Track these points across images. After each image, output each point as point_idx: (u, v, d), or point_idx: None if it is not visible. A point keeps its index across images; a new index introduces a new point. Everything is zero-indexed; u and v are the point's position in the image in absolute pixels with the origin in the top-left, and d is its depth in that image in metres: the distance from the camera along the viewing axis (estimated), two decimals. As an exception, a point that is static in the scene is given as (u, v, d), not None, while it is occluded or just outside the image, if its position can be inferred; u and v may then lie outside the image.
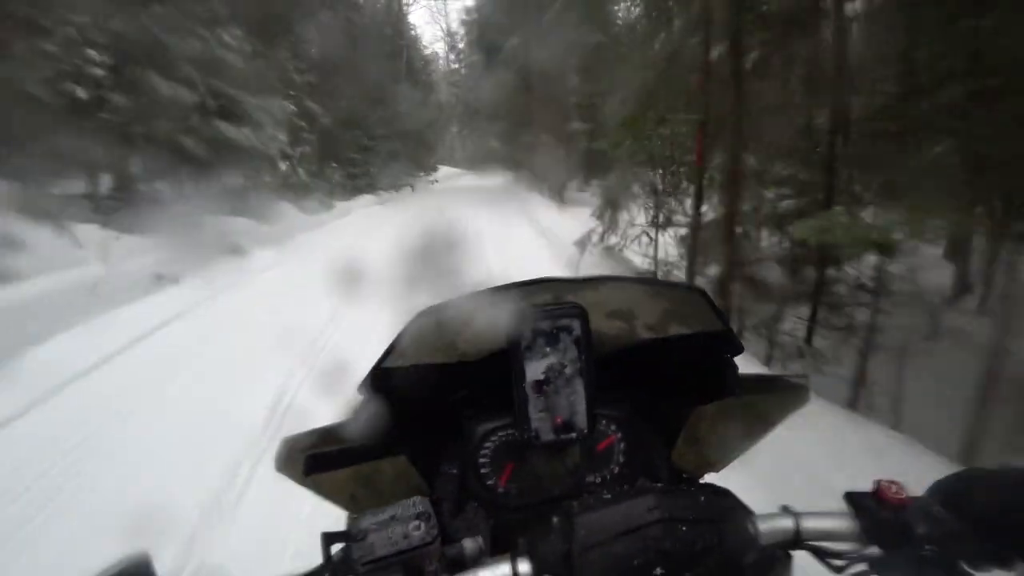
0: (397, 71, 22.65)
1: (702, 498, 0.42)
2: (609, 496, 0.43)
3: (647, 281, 0.64)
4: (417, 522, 0.42)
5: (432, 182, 23.96)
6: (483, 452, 0.63)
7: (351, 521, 0.42)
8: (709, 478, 0.67)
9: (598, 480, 0.65)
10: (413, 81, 21.48)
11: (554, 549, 0.40)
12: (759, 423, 0.66)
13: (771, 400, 0.65)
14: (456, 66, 34.04)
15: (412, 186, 21.15)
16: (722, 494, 0.44)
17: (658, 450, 0.66)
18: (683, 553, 0.38)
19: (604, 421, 0.64)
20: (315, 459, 0.60)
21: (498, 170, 20.33)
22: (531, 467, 0.64)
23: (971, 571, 0.40)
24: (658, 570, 0.38)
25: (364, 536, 0.41)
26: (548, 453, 0.63)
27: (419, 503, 0.43)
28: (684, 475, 0.65)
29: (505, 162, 19.61)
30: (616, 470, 0.65)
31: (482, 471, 0.63)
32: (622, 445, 0.65)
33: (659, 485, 0.56)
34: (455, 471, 0.65)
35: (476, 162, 28.69)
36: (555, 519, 0.42)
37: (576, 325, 0.59)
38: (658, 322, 0.64)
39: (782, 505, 0.46)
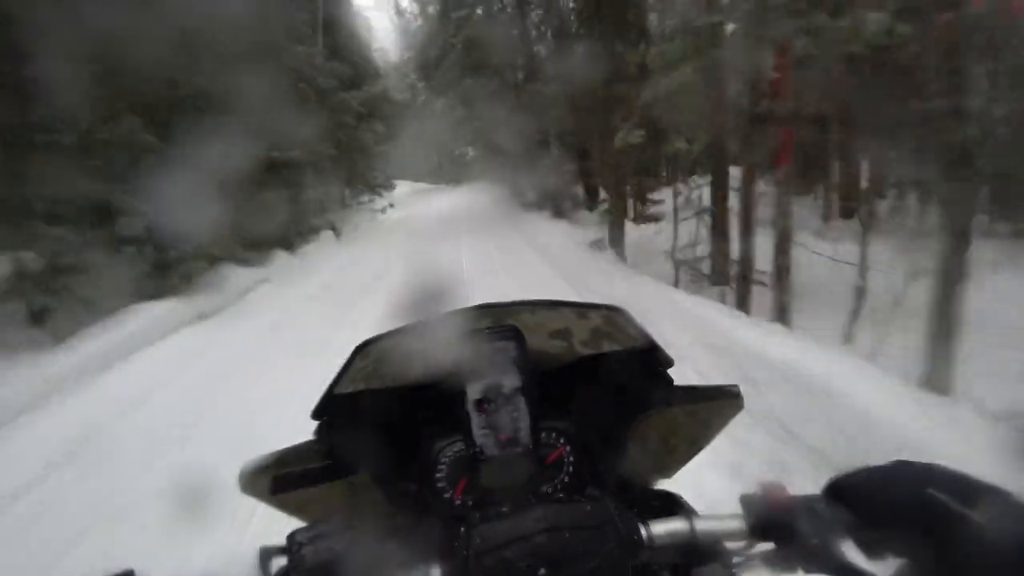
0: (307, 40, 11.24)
1: (588, 507, 0.47)
2: (506, 509, 0.48)
3: (573, 304, 0.70)
4: (339, 536, 0.47)
5: (383, 210, 16.13)
6: (439, 468, 0.68)
7: (288, 537, 0.47)
8: (663, 483, 0.71)
9: (550, 490, 0.69)
10: (340, 58, 12.79)
11: (456, 555, 0.46)
12: (700, 430, 0.72)
13: (708, 408, 0.70)
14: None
15: (336, 228, 12.18)
16: (605, 502, 0.48)
17: (606, 460, 0.71)
18: (566, 558, 0.44)
19: (552, 434, 0.69)
20: (280, 479, 0.64)
21: (480, 182, 17.23)
22: (484, 481, 0.68)
23: (851, 563, 0.44)
24: (542, 570, 0.43)
25: (299, 549, 0.46)
26: (499, 467, 0.67)
27: (341, 520, 0.48)
28: (635, 482, 0.70)
29: (489, 172, 16.11)
30: (567, 479, 0.69)
31: (438, 485, 0.68)
32: (571, 456, 0.70)
33: (559, 496, 0.64)
34: (414, 487, 0.69)
35: (452, 173, 24.83)
36: (462, 529, 0.47)
37: (512, 347, 0.65)
38: (591, 340, 0.70)
39: (681, 509, 0.52)
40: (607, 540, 0.45)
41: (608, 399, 0.72)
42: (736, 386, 0.70)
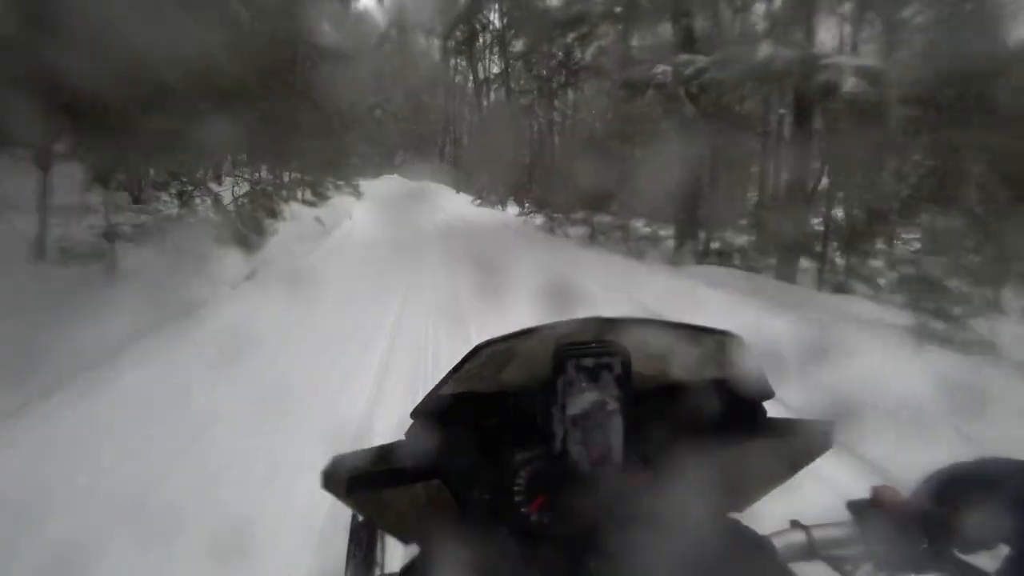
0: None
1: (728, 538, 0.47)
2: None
3: (684, 325, 0.68)
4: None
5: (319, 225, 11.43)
6: (518, 481, 0.65)
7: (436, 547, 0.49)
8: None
9: (628, 514, 0.67)
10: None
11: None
12: (783, 466, 0.69)
13: (796, 443, 0.68)
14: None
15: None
16: (743, 531, 0.49)
17: (689, 488, 0.67)
18: None
19: (638, 458, 0.67)
20: (357, 479, 0.62)
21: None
22: (564, 498, 0.65)
23: (964, 558, 0.45)
24: None
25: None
26: (581, 486, 0.65)
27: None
28: (709, 513, 0.68)
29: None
30: (647, 505, 0.66)
31: (515, 499, 0.65)
32: (653, 483, 0.67)
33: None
34: (488, 497, 0.67)
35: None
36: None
37: (618, 364, 0.63)
38: (693, 365, 0.68)
39: (791, 520, 0.51)
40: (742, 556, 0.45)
41: (698, 426, 0.70)
42: (832, 423, 0.68)
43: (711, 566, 0.45)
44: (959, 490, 0.47)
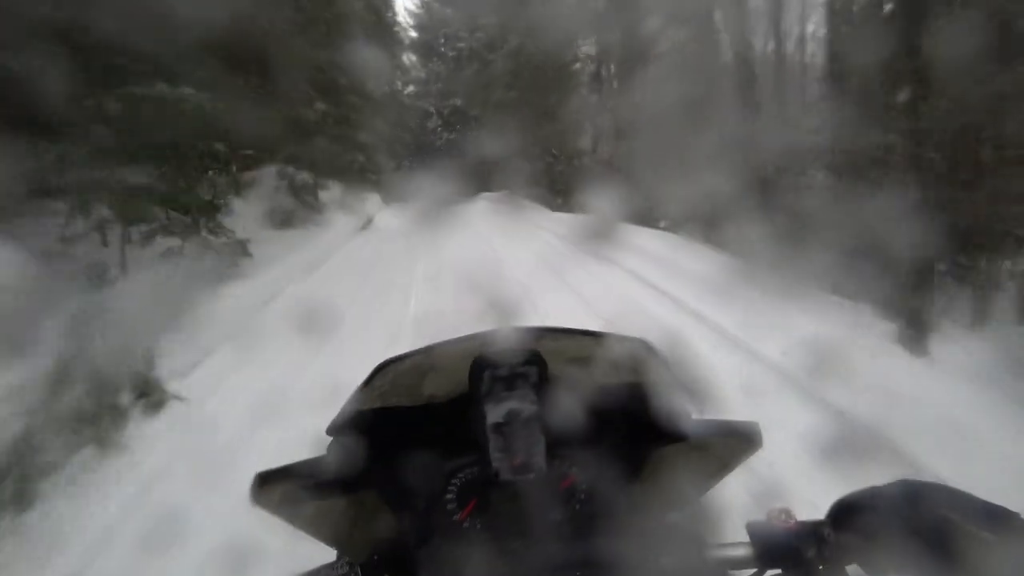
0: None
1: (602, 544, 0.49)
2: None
3: (596, 334, 0.70)
4: None
5: None
6: (449, 488, 0.67)
7: None
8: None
9: (559, 518, 0.68)
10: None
11: None
12: (715, 465, 0.71)
13: (725, 444, 0.70)
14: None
15: None
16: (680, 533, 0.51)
17: (619, 490, 0.70)
18: None
19: (564, 462, 0.68)
20: (289, 493, 0.64)
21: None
22: (494, 504, 0.67)
23: None
24: None
25: None
26: (508, 491, 0.67)
27: (342, 566, 0.49)
28: (645, 514, 0.69)
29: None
30: (578, 508, 0.68)
31: (448, 506, 0.67)
32: (583, 485, 0.69)
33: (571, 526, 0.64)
34: (422, 505, 0.69)
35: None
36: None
37: (534, 372, 0.64)
38: (611, 370, 0.69)
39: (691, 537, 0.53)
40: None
41: (624, 430, 0.71)
42: (755, 424, 0.69)
43: (644, 569, 0.47)
44: (871, 515, 0.46)
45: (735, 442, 0.70)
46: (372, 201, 14.92)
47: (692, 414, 0.71)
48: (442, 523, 0.67)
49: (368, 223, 12.74)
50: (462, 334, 0.65)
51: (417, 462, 0.68)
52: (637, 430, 0.70)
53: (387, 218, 13.97)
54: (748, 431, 0.68)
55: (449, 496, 0.67)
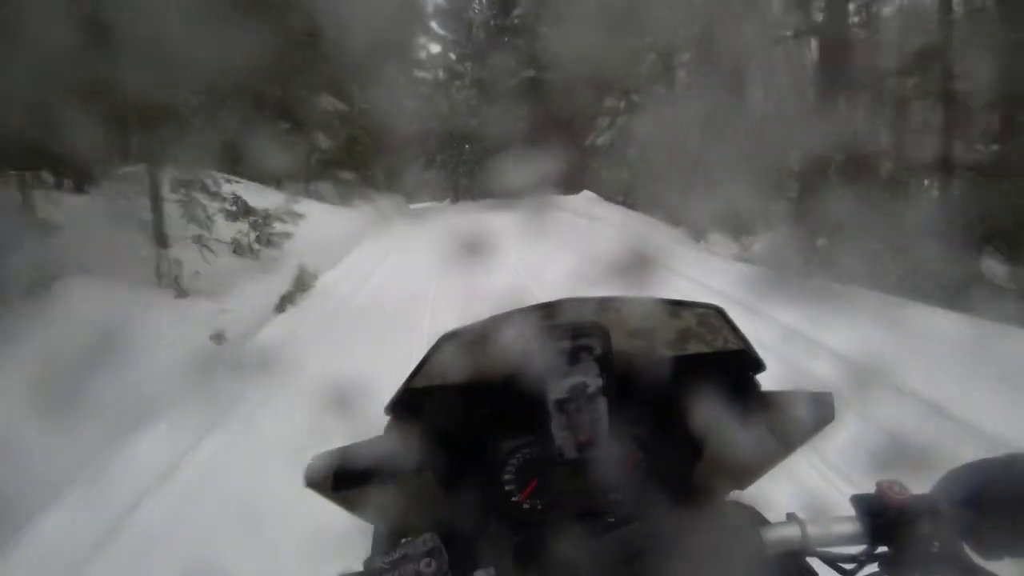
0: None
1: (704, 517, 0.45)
2: (613, 520, 0.48)
3: (664, 301, 0.66)
4: (428, 559, 0.43)
5: None
6: (507, 469, 0.65)
7: (367, 562, 0.44)
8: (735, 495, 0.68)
9: (621, 498, 0.65)
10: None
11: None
12: (783, 441, 0.66)
13: (795, 418, 0.66)
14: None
15: None
16: (741, 513, 0.46)
17: (681, 468, 0.67)
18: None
19: (627, 439, 0.65)
20: (343, 476, 0.61)
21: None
22: (554, 484, 0.65)
23: (981, 563, 0.41)
24: None
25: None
26: (571, 470, 0.64)
27: (429, 540, 0.45)
28: (708, 492, 0.66)
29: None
30: (642, 486, 0.65)
31: (506, 487, 0.65)
32: (644, 463, 0.66)
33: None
34: (479, 487, 0.66)
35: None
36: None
37: (597, 345, 0.61)
38: (677, 340, 0.66)
39: (788, 513, 0.48)
40: (731, 551, 0.43)
41: (688, 404, 0.68)
42: (829, 394, 0.65)
43: (703, 549, 0.43)
44: (983, 489, 0.43)
45: (806, 415, 0.66)
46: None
47: (760, 385, 0.68)
48: (501, 504, 0.65)
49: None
50: (522, 306, 0.62)
51: (474, 441, 0.66)
52: (705, 402, 0.67)
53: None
54: (822, 402, 0.65)
55: (508, 476, 0.65)
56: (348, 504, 0.62)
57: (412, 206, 23.62)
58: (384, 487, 0.62)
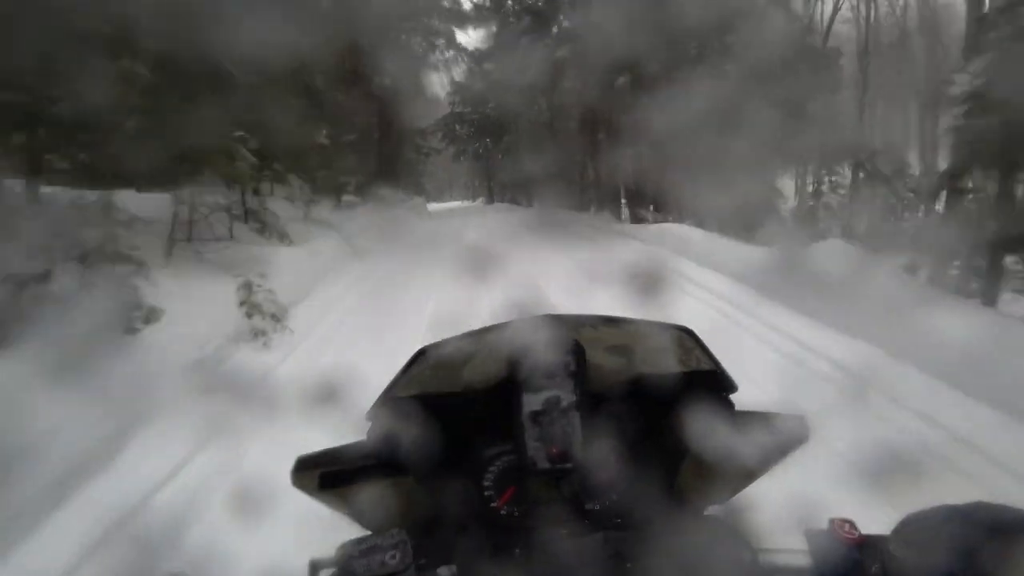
0: None
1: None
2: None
3: (639, 321, 0.68)
4: (394, 551, 0.47)
5: None
6: (486, 476, 0.68)
7: (339, 549, 0.48)
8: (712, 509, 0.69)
9: (596, 508, 0.68)
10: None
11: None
12: (756, 460, 0.68)
13: (768, 437, 0.67)
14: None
15: None
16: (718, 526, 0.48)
17: (659, 482, 0.69)
18: None
19: (603, 452, 0.67)
20: (328, 476, 0.65)
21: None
22: (531, 493, 0.67)
23: None
24: None
25: (348, 563, 0.46)
26: (547, 480, 0.66)
27: (397, 534, 0.48)
28: (685, 507, 0.68)
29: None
30: (615, 498, 0.68)
31: (484, 493, 0.68)
32: (621, 476, 0.68)
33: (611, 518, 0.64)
34: (458, 492, 0.69)
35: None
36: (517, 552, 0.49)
37: (572, 361, 0.64)
38: (653, 359, 0.68)
39: (741, 540, 0.51)
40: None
41: (664, 420, 0.70)
42: (802, 417, 0.66)
43: (680, 562, 0.46)
44: (939, 536, 0.42)
45: (779, 435, 0.67)
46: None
47: (734, 405, 0.69)
48: (480, 509, 0.68)
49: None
50: (501, 321, 0.65)
51: (455, 449, 0.69)
52: (678, 420, 0.69)
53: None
54: (794, 425, 0.66)
55: (487, 483, 0.68)
56: (333, 503, 0.66)
57: (433, 206, 19.31)
58: (365, 487, 0.66)
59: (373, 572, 0.45)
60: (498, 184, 21.55)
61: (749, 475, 0.70)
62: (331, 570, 0.47)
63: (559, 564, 0.51)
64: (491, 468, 0.68)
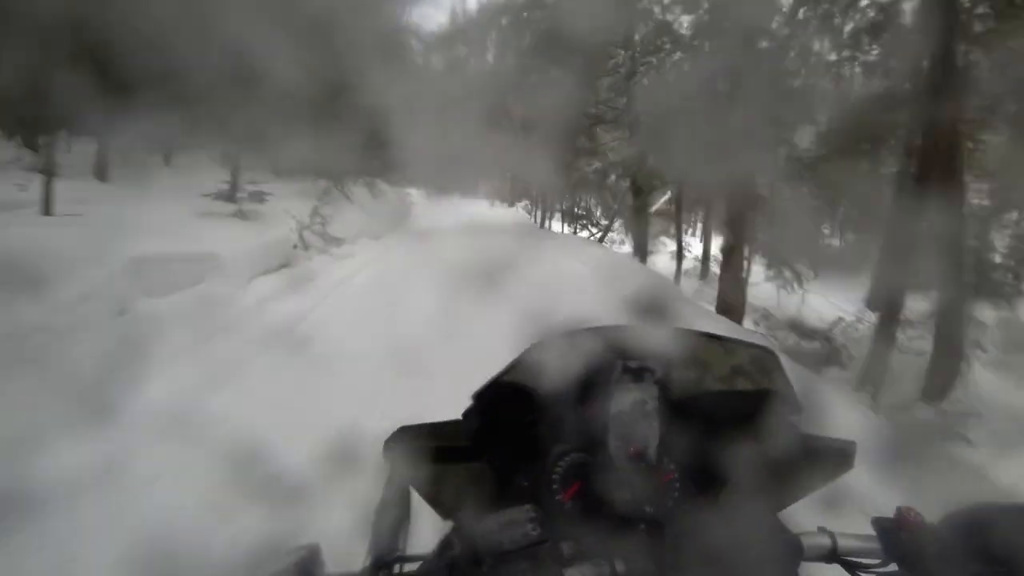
0: None
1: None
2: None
3: (724, 338, 0.73)
4: (532, 524, 0.51)
5: None
6: (557, 468, 0.70)
7: (474, 523, 0.52)
8: None
9: (652, 511, 0.70)
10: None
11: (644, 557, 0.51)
12: (804, 483, 0.74)
13: (817, 463, 0.73)
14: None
15: None
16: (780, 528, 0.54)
17: (709, 493, 0.73)
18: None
19: (673, 457, 0.71)
20: (415, 452, 0.67)
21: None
22: (596, 489, 0.70)
23: None
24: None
25: (490, 534, 0.50)
26: (614, 479, 0.69)
27: (531, 509, 0.53)
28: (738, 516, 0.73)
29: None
30: (670, 504, 0.71)
31: (553, 486, 0.70)
32: (678, 484, 0.71)
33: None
34: (527, 483, 0.72)
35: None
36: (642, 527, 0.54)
37: (660, 368, 0.68)
38: (729, 376, 0.73)
39: (819, 526, 0.57)
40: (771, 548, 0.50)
41: (730, 435, 0.74)
42: (852, 444, 0.72)
43: (746, 561, 0.49)
44: (988, 531, 0.47)
45: (827, 461, 0.73)
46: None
47: (797, 426, 0.74)
48: (546, 501, 0.70)
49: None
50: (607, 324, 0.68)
51: (532, 439, 0.72)
52: (745, 436, 0.74)
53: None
54: (846, 451, 0.71)
55: (555, 476, 0.70)
56: (412, 478, 0.69)
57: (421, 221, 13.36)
58: (445, 469, 0.69)
59: (518, 543, 0.48)
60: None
61: (794, 495, 0.75)
62: (467, 538, 0.50)
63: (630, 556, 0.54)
64: (560, 463, 0.70)
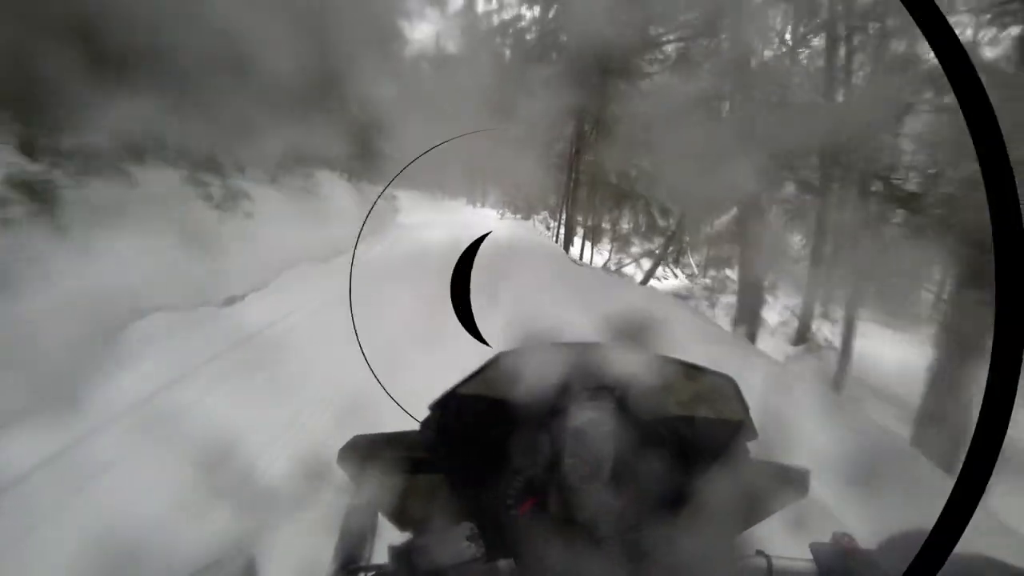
0: None
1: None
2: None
3: (686, 364, 0.75)
4: (468, 543, 0.52)
5: None
6: (514, 483, 0.71)
7: (412, 538, 0.53)
8: None
9: (602, 530, 0.71)
10: None
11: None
12: (757, 507, 0.75)
13: (771, 489, 0.74)
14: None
15: None
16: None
17: (666, 517, 0.72)
18: None
19: (625, 478, 0.72)
20: (370, 461, 0.68)
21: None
22: (551, 506, 0.71)
23: None
24: None
25: (430, 549, 0.51)
26: (569, 496, 0.70)
27: (467, 528, 0.53)
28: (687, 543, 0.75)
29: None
30: (621, 524, 0.71)
31: (508, 500, 0.71)
32: (630, 504, 0.72)
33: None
34: (483, 497, 0.72)
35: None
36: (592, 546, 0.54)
37: (620, 390, 0.69)
38: (689, 402, 0.74)
39: (757, 549, 0.58)
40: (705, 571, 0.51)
41: (685, 457, 0.76)
42: (805, 471, 0.74)
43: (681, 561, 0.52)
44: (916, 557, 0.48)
45: (781, 488, 0.74)
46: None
47: (749, 452, 0.77)
48: (500, 513, 0.71)
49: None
50: (575, 341, 0.70)
51: (491, 453, 0.72)
52: (696, 461, 0.75)
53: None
54: (798, 479, 0.73)
55: (511, 492, 0.71)
56: (366, 487, 0.69)
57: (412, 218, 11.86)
58: (401, 479, 0.69)
59: (455, 559, 0.49)
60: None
61: (746, 521, 0.76)
62: (404, 555, 0.51)
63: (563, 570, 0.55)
64: (518, 477, 0.71)
